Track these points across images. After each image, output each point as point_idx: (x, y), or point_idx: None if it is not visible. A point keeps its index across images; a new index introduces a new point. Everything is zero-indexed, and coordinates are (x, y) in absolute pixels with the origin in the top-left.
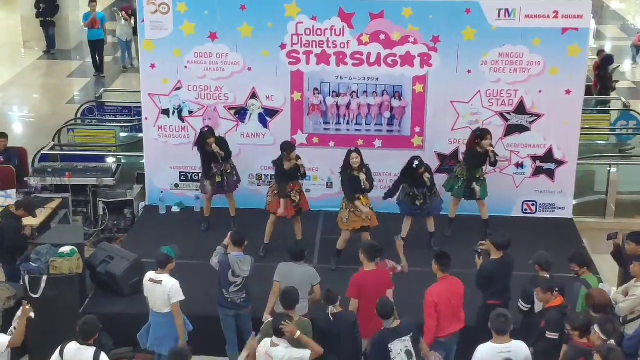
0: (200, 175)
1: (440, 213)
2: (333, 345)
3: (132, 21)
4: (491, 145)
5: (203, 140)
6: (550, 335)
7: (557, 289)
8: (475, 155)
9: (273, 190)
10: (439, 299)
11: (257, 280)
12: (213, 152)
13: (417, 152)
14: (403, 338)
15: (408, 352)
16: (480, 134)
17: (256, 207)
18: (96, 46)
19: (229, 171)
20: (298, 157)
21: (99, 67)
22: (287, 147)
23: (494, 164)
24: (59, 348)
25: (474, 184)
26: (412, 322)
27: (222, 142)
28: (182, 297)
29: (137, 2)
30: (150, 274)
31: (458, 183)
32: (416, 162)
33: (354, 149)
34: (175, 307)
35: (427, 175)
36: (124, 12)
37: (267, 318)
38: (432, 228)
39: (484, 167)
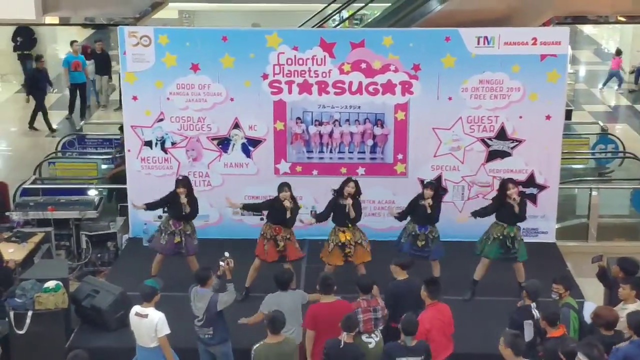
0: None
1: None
2: None
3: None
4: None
5: (175, 190)
6: None
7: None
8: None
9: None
10: (431, 325)
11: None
12: (179, 204)
13: (400, 179)
14: (415, 358)
15: None
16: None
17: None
18: (79, 89)
19: (188, 232)
20: (292, 200)
21: (81, 109)
22: (278, 187)
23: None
24: None
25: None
26: (426, 347)
27: (192, 199)
28: (168, 331)
29: (119, 35)
30: (136, 308)
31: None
32: (427, 180)
33: (353, 178)
34: (162, 340)
35: (429, 201)
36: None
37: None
38: (437, 273)
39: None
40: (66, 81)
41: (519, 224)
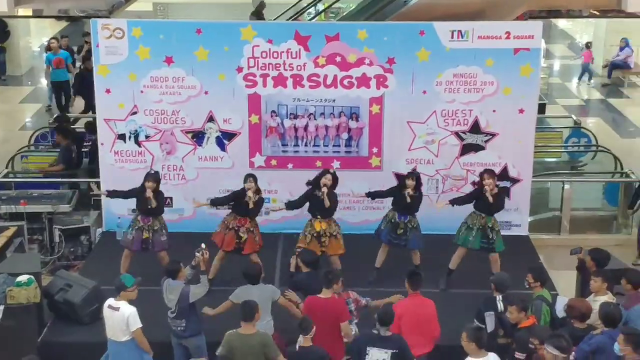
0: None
1: (419, 247)
2: None
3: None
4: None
5: (143, 183)
6: (519, 355)
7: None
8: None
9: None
10: (402, 313)
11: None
12: (145, 198)
13: (375, 173)
14: (385, 350)
15: None
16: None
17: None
18: (62, 87)
19: (155, 228)
20: (258, 194)
21: (65, 106)
22: (244, 177)
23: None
24: None
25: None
26: (402, 342)
27: (160, 196)
28: (140, 325)
29: (92, 28)
30: (109, 301)
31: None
32: (409, 172)
33: (332, 170)
34: (137, 333)
35: (409, 190)
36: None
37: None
38: (417, 261)
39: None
40: (47, 79)
41: (496, 214)
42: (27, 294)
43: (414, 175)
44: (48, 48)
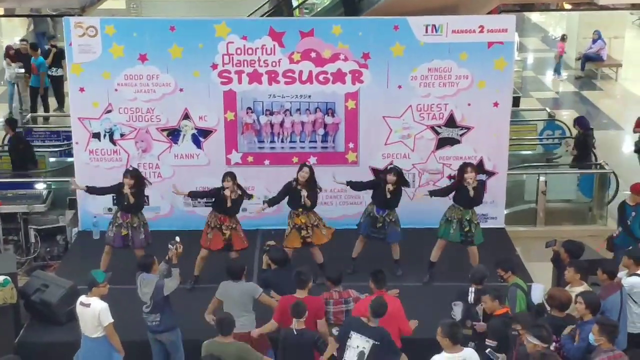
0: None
1: (397, 241)
2: (293, 358)
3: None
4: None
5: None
6: (490, 342)
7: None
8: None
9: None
10: (366, 311)
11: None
12: (123, 195)
13: (351, 168)
14: (368, 339)
15: (361, 354)
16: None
17: None
18: (35, 92)
19: (134, 225)
20: (240, 190)
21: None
22: (222, 176)
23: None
24: None
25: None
26: (386, 335)
27: (138, 190)
28: (111, 320)
29: (64, 26)
30: (81, 298)
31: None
32: (390, 166)
33: (307, 164)
34: (108, 329)
35: (389, 186)
36: (8, 59)
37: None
38: (396, 255)
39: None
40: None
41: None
42: (3, 295)
43: (395, 170)
44: (17, 52)
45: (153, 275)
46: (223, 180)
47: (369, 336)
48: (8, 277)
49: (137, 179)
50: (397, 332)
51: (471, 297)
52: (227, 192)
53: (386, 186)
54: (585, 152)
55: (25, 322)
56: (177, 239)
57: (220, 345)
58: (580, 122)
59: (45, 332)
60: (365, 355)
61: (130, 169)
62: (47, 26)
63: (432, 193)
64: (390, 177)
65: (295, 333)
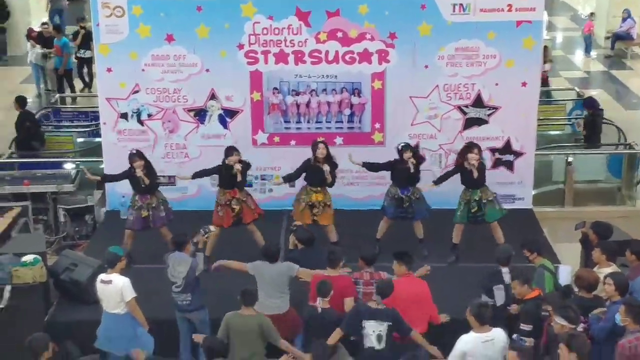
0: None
1: (425, 217)
2: (317, 337)
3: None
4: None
5: (130, 163)
6: (525, 326)
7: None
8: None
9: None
10: (395, 293)
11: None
12: (137, 178)
13: (378, 148)
14: (380, 322)
15: (379, 337)
16: (468, 147)
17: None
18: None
19: (153, 205)
20: (242, 163)
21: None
22: (226, 151)
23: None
24: None
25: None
26: (395, 314)
27: (150, 170)
28: (134, 294)
29: (92, 6)
30: (101, 276)
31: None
32: (402, 144)
33: (320, 139)
34: (131, 304)
35: (412, 160)
36: (32, 41)
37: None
38: (420, 234)
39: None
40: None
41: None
42: (33, 274)
43: (409, 146)
44: (39, 34)
45: (185, 254)
46: (230, 155)
47: (380, 319)
48: (38, 256)
49: (144, 158)
50: (426, 316)
51: (507, 278)
52: (237, 166)
53: (407, 164)
54: (594, 133)
55: (54, 300)
56: (212, 228)
57: (242, 318)
58: (588, 102)
59: (74, 311)
60: (384, 337)
61: (134, 151)
62: (61, 3)
63: (437, 181)
64: (407, 154)
65: (320, 312)
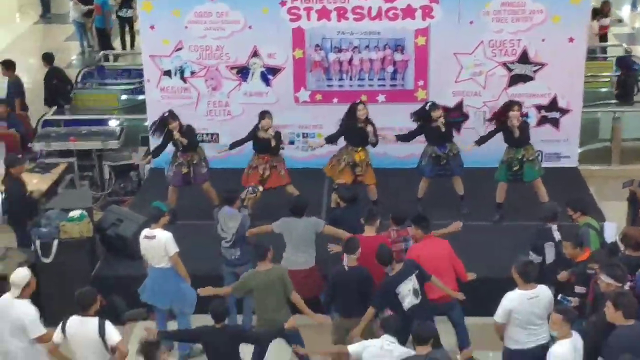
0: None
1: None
2: (343, 296)
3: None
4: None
5: (164, 125)
6: (579, 289)
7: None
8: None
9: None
10: (419, 253)
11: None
12: (175, 141)
13: (421, 106)
14: (408, 279)
15: (415, 291)
16: (508, 105)
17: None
18: (100, 32)
19: (195, 162)
20: (274, 131)
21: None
22: (260, 115)
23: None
24: (60, 324)
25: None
26: (412, 263)
27: (188, 131)
28: (177, 249)
29: None
30: (145, 231)
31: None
32: (430, 103)
33: (359, 101)
34: (174, 258)
35: (441, 120)
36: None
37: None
38: (460, 190)
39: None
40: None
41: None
42: (80, 229)
43: (436, 105)
44: None
45: (235, 210)
46: (263, 118)
47: (406, 277)
48: (84, 212)
49: (178, 118)
50: (453, 273)
51: (557, 236)
52: (265, 134)
53: (437, 123)
54: (627, 93)
55: (101, 255)
56: (260, 188)
57: (262, 273)
58: (622, 62)
59: (119, 266)
60: (419, 289)
61: (166, 114)
62: None
63: (479, 142)
64: (437, 113)
65: (347, 269)
